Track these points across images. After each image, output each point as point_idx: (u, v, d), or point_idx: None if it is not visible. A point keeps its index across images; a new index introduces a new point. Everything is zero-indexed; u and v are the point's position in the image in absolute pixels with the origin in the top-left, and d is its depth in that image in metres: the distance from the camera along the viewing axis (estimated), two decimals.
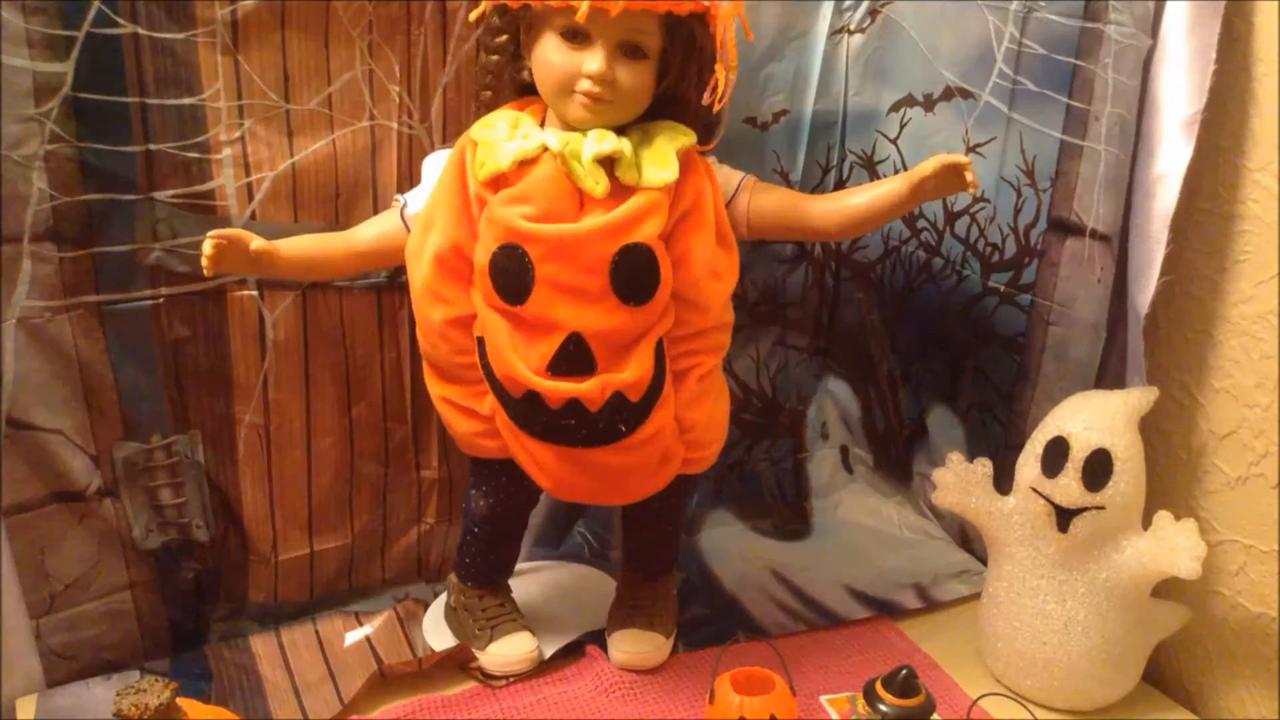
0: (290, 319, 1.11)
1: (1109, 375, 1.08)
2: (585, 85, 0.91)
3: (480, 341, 0.96)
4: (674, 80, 0.95)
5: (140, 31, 0.98)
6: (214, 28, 1.00)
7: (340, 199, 1.10)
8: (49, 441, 1.02)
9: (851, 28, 1.27)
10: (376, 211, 1.11)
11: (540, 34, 0.93)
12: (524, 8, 0.92)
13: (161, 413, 1.08)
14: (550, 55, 0.92)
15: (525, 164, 0.91)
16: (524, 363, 0.93)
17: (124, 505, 1.07)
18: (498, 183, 0.92)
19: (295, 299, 1.11)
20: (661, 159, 0.93)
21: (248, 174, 1.05)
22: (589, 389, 0.92)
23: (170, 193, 1.03)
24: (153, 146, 1.01)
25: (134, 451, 1.07)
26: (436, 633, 1.15)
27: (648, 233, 0.91)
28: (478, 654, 1.08)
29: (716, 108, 0.95)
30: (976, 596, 1.16)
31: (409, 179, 1.11)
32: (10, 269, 0.98)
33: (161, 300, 1.05)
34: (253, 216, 1.06)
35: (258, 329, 1.10)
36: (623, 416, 0.94)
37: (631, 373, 0.93)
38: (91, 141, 0.98)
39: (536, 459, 0.98)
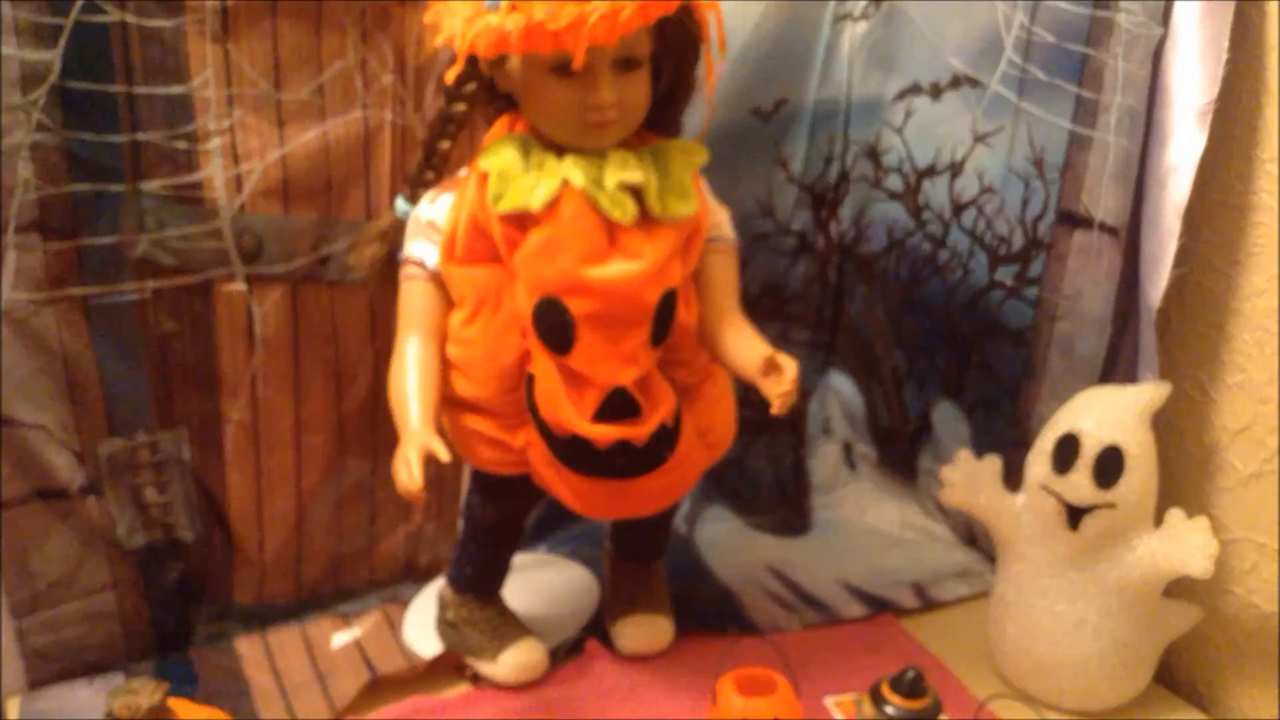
0: (279, 314, 1.09)
1: (1121, 370, 1.06)
2: (594, 116, 0.87)
3: (530, 379, 0.92)
4: (670, 77, 0.93)
5: (128, 19, 0.97)
6: (203, 15, 0.99)
7: (332, 190, 1.08)
8: (32, 437, 1.01)
9: (855, 15, 1.25)
10: (369, 204, 1.10)
11: (526, 73, 0.88)
12: (501, 56, 0.87)
13: (147, 409, 1.06)
14: (549, 94, 0.87)
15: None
16: (573, 408, 0.90)
17: (108, 503, 1.06)
18: (523, 220, 0.88)
19: (285, 294, 1.09)
20: (682, 189, 0.90)
21: (237, 164, 1.04)
22: (638, 432, 0.90)
23: (157, 183, 1.01)
24: (140, 136, 1.00)
25: (119, 448, 1.05)
26: (423, 639, 1.12)
27: (676, 275, 0.90)
28: (487, 667, 1.05)
29: (710, 95, 0.93)
30: (981, 596, 1.15)
31: (402, 170, 1.10)
32: None
33: (148, 294, 1.04)
34: (242, 209, 1.05)
35: (246, 324, 1.08)
36: (666, 444, 0.93)
37: (666, 403, 0.92)
38: (78, 131, 0.97)
39: (578, 492, 0.95)
